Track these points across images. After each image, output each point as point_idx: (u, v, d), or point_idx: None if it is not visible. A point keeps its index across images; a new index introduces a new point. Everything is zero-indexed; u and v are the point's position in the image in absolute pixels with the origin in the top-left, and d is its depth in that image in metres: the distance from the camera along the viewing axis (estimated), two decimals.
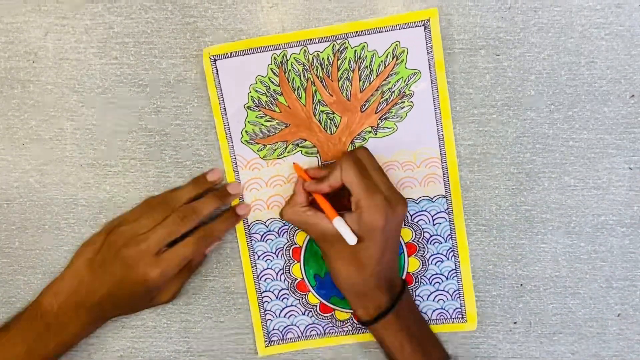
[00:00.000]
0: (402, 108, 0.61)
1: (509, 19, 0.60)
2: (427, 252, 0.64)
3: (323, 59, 0.61)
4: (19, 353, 0.59)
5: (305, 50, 0.61)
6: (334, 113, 0.62)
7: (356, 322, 0.64)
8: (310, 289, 0.65)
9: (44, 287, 0.63)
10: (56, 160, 0.64)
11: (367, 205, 0.55)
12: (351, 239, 0.55)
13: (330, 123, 0.62)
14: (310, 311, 0.65)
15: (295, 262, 0.65)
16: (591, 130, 0.61)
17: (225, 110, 0.62)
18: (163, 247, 0.59)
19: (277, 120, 0.62)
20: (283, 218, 0.61)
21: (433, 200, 0.63)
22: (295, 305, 0.65)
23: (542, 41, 0.60)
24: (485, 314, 0.64)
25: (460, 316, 0.64)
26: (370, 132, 0.62)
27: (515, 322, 0.64)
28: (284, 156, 0.63)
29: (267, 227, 0.64)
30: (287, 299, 0.65)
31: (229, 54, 0.61)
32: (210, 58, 0.61)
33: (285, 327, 0.65)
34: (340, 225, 0.56)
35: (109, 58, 0.62)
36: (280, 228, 0.64)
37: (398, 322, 0.58)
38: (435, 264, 0.64)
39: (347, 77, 0.61)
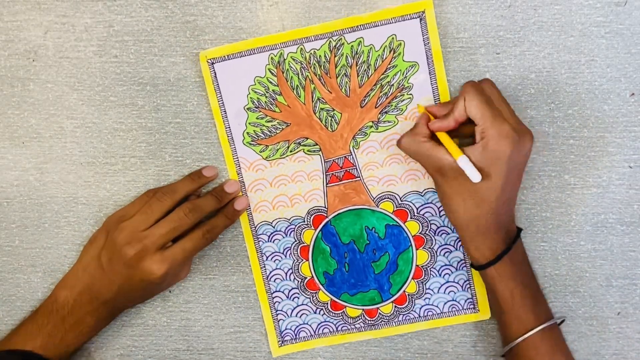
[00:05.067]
0: (402, 101, 0.61)
1: (509, 17, 0.60)
2: (435, 243, 0.64)
3: (320, 56, 0.61)
4: (35, 347, 0.60)
5: (301, 48, 0.61)
6: (334, 110, 0.62)
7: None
8: (320, 287, 0.65)
9: (58, 282, 0.63)
10: (56, 159, 0.64)
11: (493, 134, 0.53)
12: (476, 177, 0.53)
13: (331, 120, 0.62)
14: (322, 309, 0.65)
15: (304, 260, 0.65)
16: (591, 128, 0.61)
17: (225, 113, 0.62)
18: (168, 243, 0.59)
19: (277, 120, 0.62)
20: (400, 147, 0.59)
21: None
22: (306, 304, 0.65)
23: (542, 39, 0.60)
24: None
25: (472, 306, 0.64)
26: (371, 126, 0.62)
27: None
28: (287, 156, 0.63)
29: (274, 227, 0.64)
30: (298, 298, 0.65)
31: (226, 57, 0.61)
32: (207, 61, 0.61)
33: (297, 327, 0.65)
34: (464, 163, 0.54)
35: (109, 56, 0.62)
36: (287, 227, 0.64)
37: (511, 268, 0.57)
38: (444, 255, 0.64)
39: (345, 73, 0.61)
